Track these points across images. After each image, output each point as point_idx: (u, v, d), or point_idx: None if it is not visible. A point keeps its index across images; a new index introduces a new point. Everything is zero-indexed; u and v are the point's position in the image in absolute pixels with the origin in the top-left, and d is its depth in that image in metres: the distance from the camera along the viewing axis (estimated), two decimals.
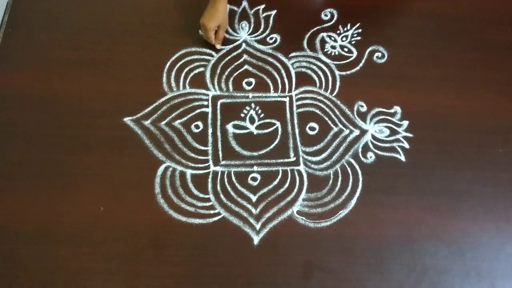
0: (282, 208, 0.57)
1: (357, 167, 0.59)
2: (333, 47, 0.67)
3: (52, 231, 0.54)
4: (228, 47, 0.66)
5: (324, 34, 0.68)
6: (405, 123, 0.62)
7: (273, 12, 0.69)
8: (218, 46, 0.65)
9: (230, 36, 0.67)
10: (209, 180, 0.58)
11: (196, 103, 0.62)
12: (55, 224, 0.54)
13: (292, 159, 0.60)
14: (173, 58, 0.65)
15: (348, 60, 0.66)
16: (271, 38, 0.67)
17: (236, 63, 0.65)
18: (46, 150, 0.58)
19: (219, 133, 0.61)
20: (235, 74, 0.64)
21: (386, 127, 0.62)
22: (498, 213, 0.57)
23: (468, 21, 0.70)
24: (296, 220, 0.56)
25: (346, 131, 0.61)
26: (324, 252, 0.54)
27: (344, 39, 0.68)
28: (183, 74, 0.64)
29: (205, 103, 0.62)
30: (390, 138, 0.61)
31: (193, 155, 0.59)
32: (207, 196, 0.57)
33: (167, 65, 0.64)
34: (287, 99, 0.63)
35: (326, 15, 0.69)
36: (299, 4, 0.71)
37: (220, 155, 0.59)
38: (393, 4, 0.71)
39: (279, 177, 0.58)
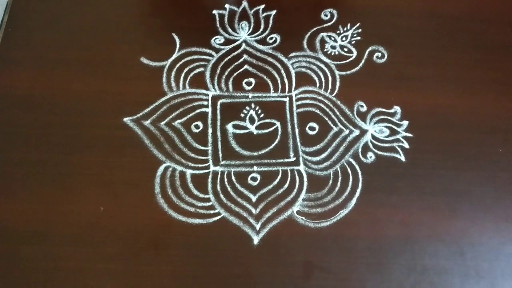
0: (282, 208, 0.57)
1: (357, 167, 0.59)
2: (333, 47, 0.67)
3: (52, 231, 0.54)
4: (228, 47, 0.66)
5: (324, 34, 0.68)
6: (405, 123, 0.62)
7: (273, 12, 0.69)
8: None
9: (230, 36, 0.67)
10: (209, 180, 0.58)
11: (196, 103, 0.62)
12: (55, 224, 0.54)
13: (292, 159, 0.59)
14: (173, 58, 0.65)
15: (348, 60, 0.66)
16: (271, 38, 0.67)
17: (236, 63, 0.65)
18: (46, 150, 0.58)
19: (219, 133, 0.61)
20: (235, 74, 0.64)
21: (386, 127, 0.62)
22: (498, 213, 0.57)
23: (468, 21, 0.70)
24: (296, 220, 0.56)
25: (346, 131, 0.61)
26: (324, 252, 0.54)
27: (344, 39, 0.68)
28: (183, 74, 0.64)
29: (205, 103, 0.62)
30: (390, 138, 0.61)
31: (193, 155, 0.59)
32: (207, 196, 0.57)
33: (167, 65, 0.64)
34: (287, 99, 0.63)
35: (326, 15, 0.69)
36: (299, 4, 0.71)
37: (220, 155, 0.59)
38: (393, 4, 0.71)
39: (279, 177, 0.58)
